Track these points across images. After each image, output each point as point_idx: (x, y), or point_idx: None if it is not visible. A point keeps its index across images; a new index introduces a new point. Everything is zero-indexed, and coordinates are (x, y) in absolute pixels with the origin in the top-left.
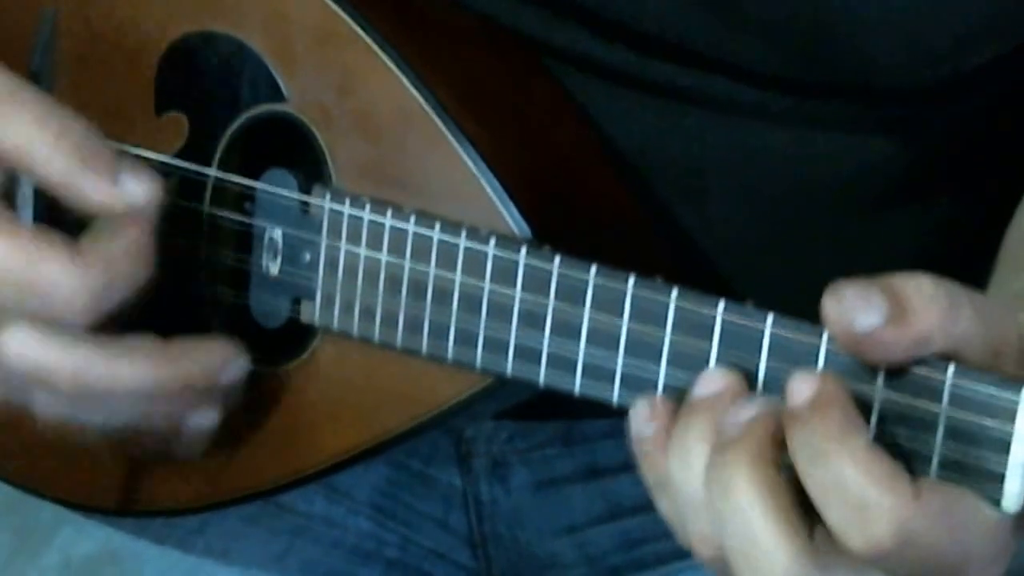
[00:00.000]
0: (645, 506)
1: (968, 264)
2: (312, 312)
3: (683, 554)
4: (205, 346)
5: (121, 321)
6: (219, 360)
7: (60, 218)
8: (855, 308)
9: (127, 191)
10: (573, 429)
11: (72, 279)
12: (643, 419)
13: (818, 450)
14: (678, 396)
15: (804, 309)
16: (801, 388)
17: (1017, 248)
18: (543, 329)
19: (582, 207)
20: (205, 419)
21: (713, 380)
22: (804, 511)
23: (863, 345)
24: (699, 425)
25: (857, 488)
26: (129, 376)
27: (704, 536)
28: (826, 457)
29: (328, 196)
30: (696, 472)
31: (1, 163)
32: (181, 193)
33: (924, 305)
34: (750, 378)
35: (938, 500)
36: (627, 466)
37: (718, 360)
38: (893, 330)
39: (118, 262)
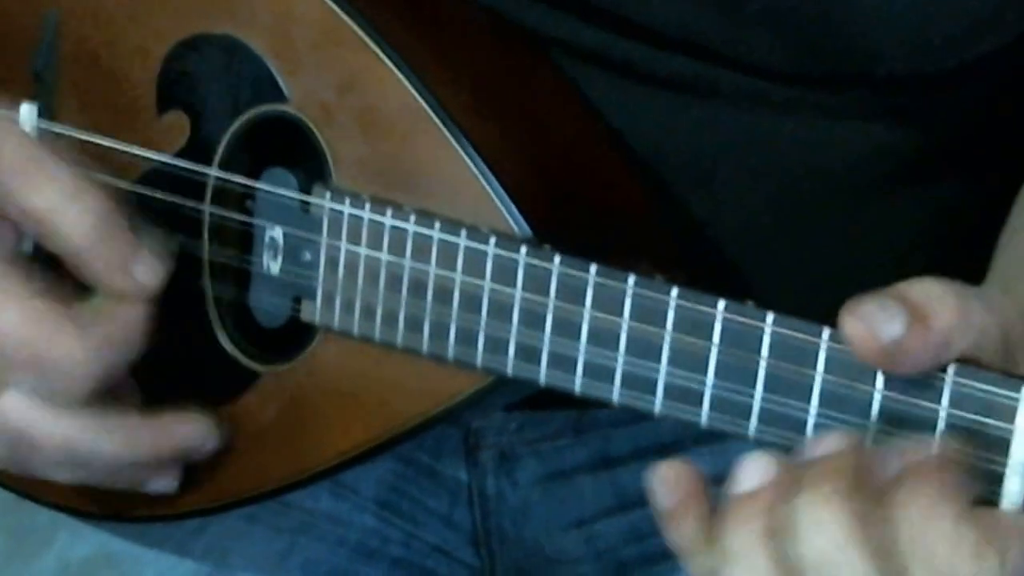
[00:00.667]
0: None
1: (971, 248)
2: (313, 311)
3: None
4: (184, 425)
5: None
6: (196, 440)
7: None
8: (877, 321)
9: (137, 276)
10: (584, 417)
11: (74, 358)
12: (664, 488)
13: (911, 520)
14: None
15: (811, 295)
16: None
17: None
18: (543, 328)
19: (585, 204)
20: (166, 484)
21: (759, 469)
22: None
23: (891, 356)
24: (751, 522)
25: (945, 562)
26: (113, 448)
27: None
28: (916, 526)
29: (328, 195)
30: (755, 566)
31: (22, 226)
32: (182, 193)
33: (938, 305)
34: (751, 377)
35: (1016, 543)
36: (637, 455)
37: (719, 359)
38: (917, 335)
39: (118, 338)
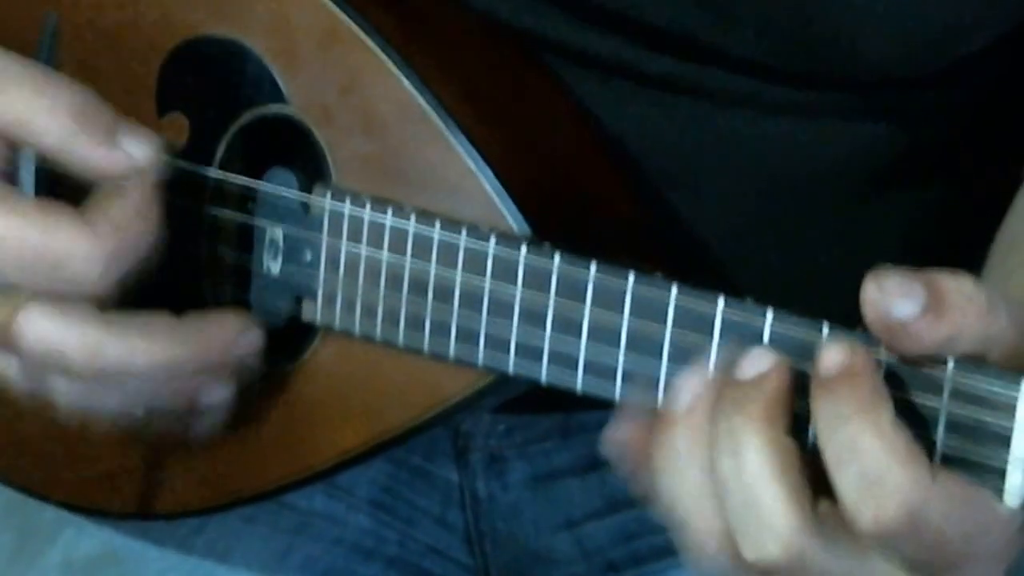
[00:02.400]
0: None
1: (959, 250)
2: (314, 311)
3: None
4: (219, 320)
5: (129, 300)
6: (233, 333)
7: (62, 196)
8: (894, 296)
9: (127, 153)
10: (571, 421)
11: (84, 246)
12: (620, 434)
13: (842, 417)
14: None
15: (800, 295)
16: (833, 356)
17: (1015, 227)
18: (544, 326)
19: (582, 204)
20: (219, 394)
21: (691, 386)
22: (813, 485)
23: (894, 333)
24: (684, 436)
25: (875, 461)
26: (145, 352)
27: (705, 519)
28: (849, 424)
29: (329, 195)
30: (690, 439)
31: (2, 136)
32: (182, 193)
33: (962, 303)
34: None
35: (953, 488)
36: None
37: (719, 356)
38: (927, 323)
39: (126, 225)
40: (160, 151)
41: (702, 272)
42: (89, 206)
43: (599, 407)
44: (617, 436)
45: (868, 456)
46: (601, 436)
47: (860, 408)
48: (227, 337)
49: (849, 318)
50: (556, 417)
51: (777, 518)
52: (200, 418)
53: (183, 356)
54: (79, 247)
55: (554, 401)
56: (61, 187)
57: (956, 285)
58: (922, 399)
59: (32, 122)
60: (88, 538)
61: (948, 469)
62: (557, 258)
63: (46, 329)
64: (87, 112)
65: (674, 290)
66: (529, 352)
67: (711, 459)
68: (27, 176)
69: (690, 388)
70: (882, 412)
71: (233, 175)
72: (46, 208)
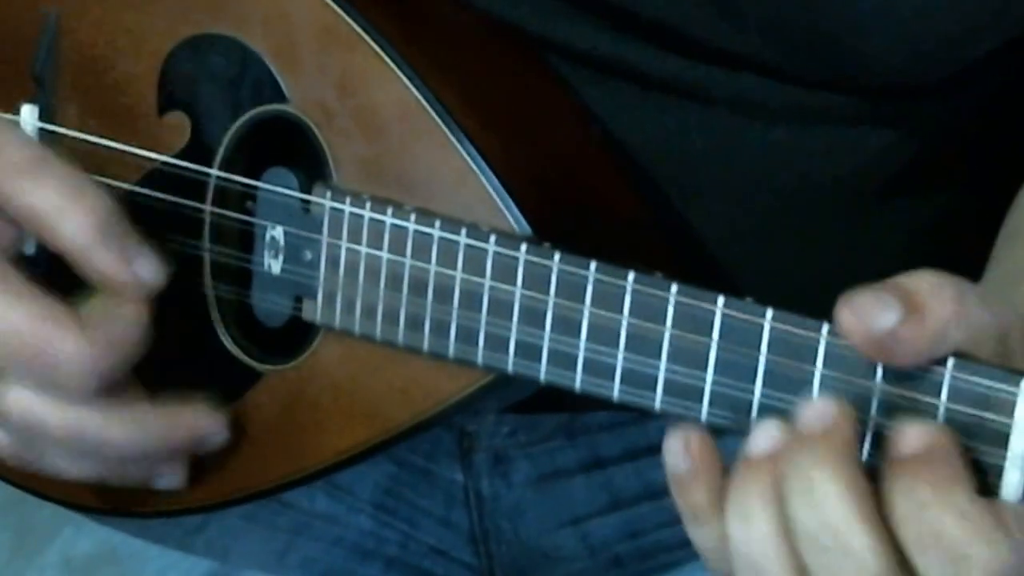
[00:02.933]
0: (647, 496)
1: (965, 257)
2: (314, 310)
3: (685, 543)
4: (192, 415)
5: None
6: (205, 430)
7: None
8: (871, 311)
9: (136, 273)
10: (575, 421)
11: (79, 357)
12: (677, 451)
13: (922, 503)
14: (678, 400)
15: (803, 301)
16: (913, 438)
17: (1018, 224)
18: (544, 326)
19: (582, 204)
20: (172, 479)
21: (769, 435)
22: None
23: (885, 347)
24: (758, 485)
25: (957, 543)
26: (122, 437)
27: (772, 560)
28: (928, 511)
29: (329, 194)
30: (758, 528)
31: (24, 226)
32: (183, 193)
33: (935, 297)
34: (751, 373)
35: (1020, 529)
36: (628, 456)
37: (718, 355)
38: (911, 327)
39: (121, 340)
40: (166, 276)
41: (703, 274)
42: (89, 307)
43: (604, 407)
44: (670, 455)
45: (949, 540)
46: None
47: (938, 493)
48: (199, 429)
49: None
50: (561, 417)
51: (869, 558)
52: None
53: (155, 441)
54: (73, 357)
55: (559, 401)
56: None
57: (921, 282)
58: (921, 398)
59: (58, 224)
60: (87, 536)
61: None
62: (557, 258)
63: (30, 408)
64: (110, 228)
65: (674, 290)
66: (528, 352)
67: (786, 513)
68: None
69: (772, 432)
70: (960, 493)
71: (234, 175)
72: (47, 305)
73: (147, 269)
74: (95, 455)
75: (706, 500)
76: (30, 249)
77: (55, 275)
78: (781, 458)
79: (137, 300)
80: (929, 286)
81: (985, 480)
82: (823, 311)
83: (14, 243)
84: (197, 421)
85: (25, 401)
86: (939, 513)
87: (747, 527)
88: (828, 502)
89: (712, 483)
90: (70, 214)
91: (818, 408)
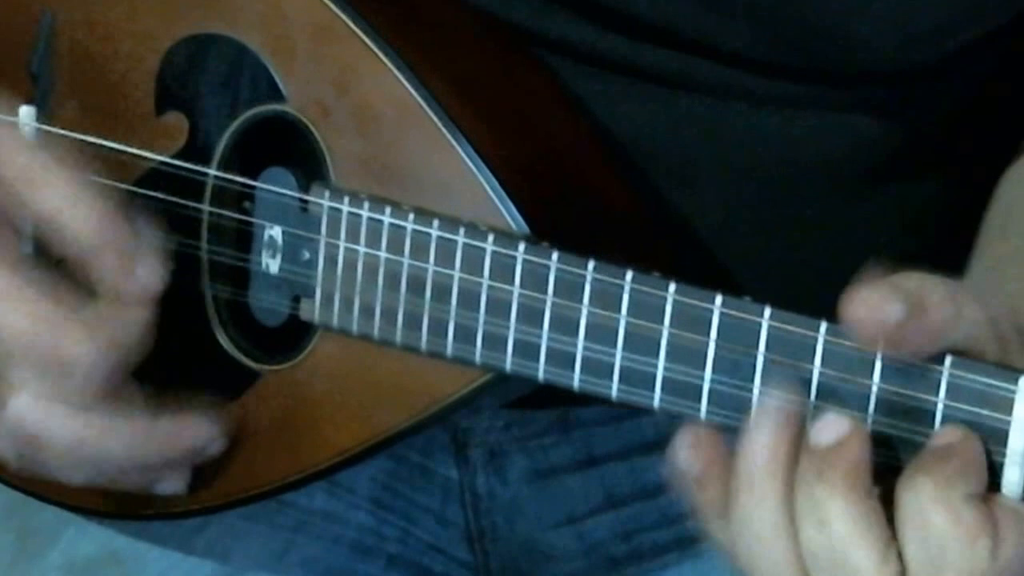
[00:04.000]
0: (642, 495)
1: (954, 244)
2: (312, 310)
3: (680, 544)
4: (191, 425)
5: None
6: (204, 441)
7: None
8: (882, 303)
9: (138, 278)
10: (570, 416)
11: (83, 358)
12: (689, 456)
13: (920, 493)
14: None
15: (796, 288)
16: (939, 437)
17: (1000, 216)
18: (542, 325)
19: (579, 202)
20: (174, 486)
21: (774, 421)
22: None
23: (895, 339)
24: (766, 501)
25: (941, 537)
26: (121, 447)
27: (779, 567)
28: (924, 500)
29: (327, 194)
30: (771, 509)
31: (25, 229)
32: (181, 193)
33: (932, 293)
34: (749, 371)
35: (1010, 538)
36: (624, 453)
37: (716, 354)
38: (916, 320)
39: (124, 341)
40: (166, 279)
41: (698, 267)
42: (91, 310)
43: (599, 403)
44: (681, 457)
45: (935, 533)
46: (667, 451)
47: (938, 486)
48: (197, 443)
49: None
50: (556, 412)
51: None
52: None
53: (154, 452)
54: (74, 352)
55: (554, 396)
56: None
57: (915, 279)
58: (919, 396)
59: (61, 228)
60: (89, 538)
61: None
62: (555, 257)
63: (34, 416)
64: (112, 231)
65: (672, 288)
66: (526, 351)
67: (794, 525)
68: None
69: (767, 441)
70: (959, 489)
71: (231, 175)
72: (50, 308)
73: (148, 273)
74: (95, 465)
75: (719, 500)
76: (27, 248)
77: (57, 276)
78: (789, 470)
79: (139, 303)
80: (924, 284)
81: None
82: (816, 298)
83: (16, 246)
84: (196, 431)
85: (29, 409)
86: (932, 505)
87: (757, 542)
88: (835, 523)
89: (724, 482)
90: (71, 219)
91: (829, 422)
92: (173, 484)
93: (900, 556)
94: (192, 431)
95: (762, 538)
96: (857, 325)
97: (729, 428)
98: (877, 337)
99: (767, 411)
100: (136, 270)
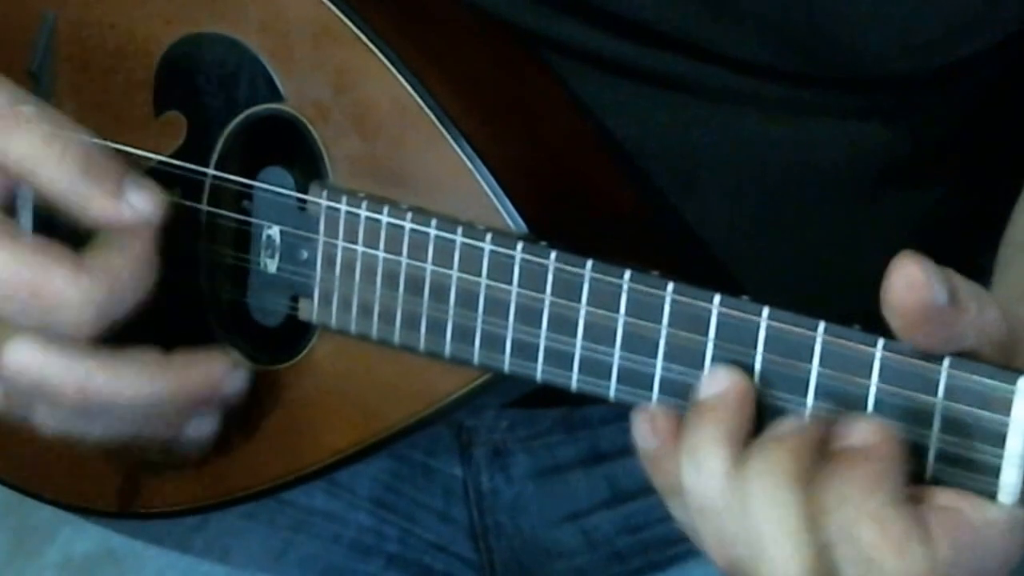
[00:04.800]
0: (648, 490)
1: (959, 251)
2: (310, 309)
3: (686, 538)
4: (206, 357)
5: (121, 326)
6: (220, 371)
7: (59, 231)
8: (933, 283)
9: (131, 205)
10: (575, 415)
11: (78, 291)
12: (645, 432)
13: (844, 496)
14: (675, 400)
15: (800, 293)
16: (860, 431)
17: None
18: (540, 324)
19: (579, 202)
20: (203, 427)
21: (717, 380)
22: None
23: (930, 320)
24: (708, 428)
25: (868, 546)
26: (132, 388)
27: (719, 539)
28: (849, 505)
29: (325, 193)
30: (710, 475)
31: (5, 175)
32: (180, 192)
33: (961, 287)
34: (747, 372)
35: (946, 538)
36: (629, 450)
37: (715, 354)
38: (952, 311)
39: (123, 275)
40: (163, 204)
41: (701, 270)
42: (88, 252)
43: (603, 402)
44: (644, 426)
45: (862, 541)
46: (632, 424)
47: (862, 491)
48: (213, 375)
49: (847, 316)
50: (560, 411)
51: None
52: (181, 445)
53: (169, 392)
54: (74, 292)
55: (558, 395)
56: (59, 223)
57: (945, 271)
58: (918, 397)
59: (40, 167)
60: (86, 537)
61: (934, 472)
62: (553, 256)
63: (33, 361)
64: (95, 162)
65: (670, 288)
66: (525, 351)
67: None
68: (25, 211)
69: (716, 384)
70: (882, 495)
71: (230, 174)
72: (44, 249)
73: (142, 199)
74: (107, 413)
75: (676, 473)
76: (27, 224)
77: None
78: (734, 439)
79: (138, 236)
80: (953, 277)
81: (982, 479)
82: (821, 303)
83: (4, 193)
84: (212, 367)
85: (26, 355)
86: (856, 512)
87: (698, 469)
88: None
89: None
90: (51, 156)
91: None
92: (200, 426)
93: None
94: (209, 368)
95: (700, 503)
96: (909, 291)
97: None
98: (918, 310)
99: (713, 381)
100: (127, 196)
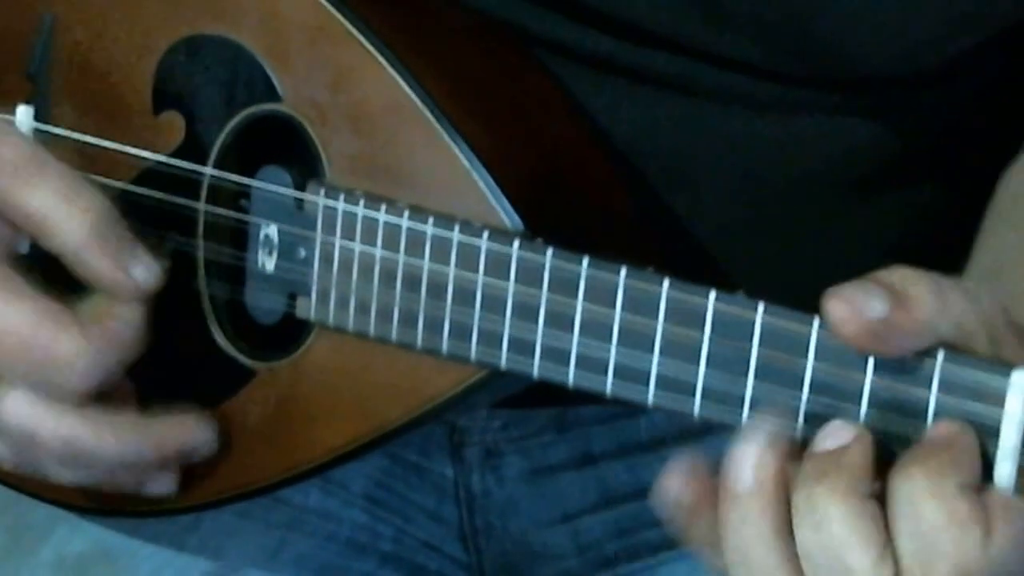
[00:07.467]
0: (638, 493)
1: (951, 249)
2: (308, 307)
3: (674, 542)
4: (184, 426)
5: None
6: (196, 441)
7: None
8: (862, 301)
9: (133, 276)
10: (567, 415)
11: (83, 357)
12: (680, 483)
13: (913, 485)
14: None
15: (793, 291)
16: (934, 430)
17: (1004, 206)
18: (536, 321)
19: (574, 199)
20: (164, 486)
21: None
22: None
23: (877, 336)
24: (758, 505)
25: (933, 528)
26: (112, 450)
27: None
28: (916, 491)
29: (322, 192)
30: (756, 523)
31: (20, 227)
32: (178, 191)
33: (915, 288)
34: (743, 366)
35: (1005, 524)
36: (620, 452)
37: (711, 349)
38: (900, 315)
39: (118, 339)
40: (162, 277)
41: (695, 268)
42: (86, 307)
43: (595, 401)
44: (672, 489)
45: (927, 524)
46: (655, 487)
47: (931, 477)
48: (189, 443)
49: None
50: (552, 411)
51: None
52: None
53: (145, 455)
54: (74, 356)
55: (550, 395)
56: None
57: (898, 275)
58: (912, 391)
59: (55, 225)
60: (81, 536)
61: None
62: (549, 253)
63: (26, 414)
64: (107, 229)
65: (666, 284)
66: (522, 347)
67: (790, 529)
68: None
69: (753, 462)
70: (951, 479)
71: (228, 173)
72: (51, 313)
73: (143, 272)
74: (86, 464)
75: (712, 526)
76: (24, 248)
77: (52, 274)
78: (778, 479)
79: (136, 304)
80: (906, 278)
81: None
82: (812, 301)
83: (10, 243)
84: (187, 432)
85: (21, 408)
86: (924, 495)
87: (749, 565)
88: (833, 525)
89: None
90: (65, 216)
91: (834, 428)
92: (162, 485)
93: (895, 557)
94: (184, 432)
95: (752, 538)
96: (839, 322)
97: (723, 425)
98: (860, 334)
99: (752, 432)
100: (131, 268)
